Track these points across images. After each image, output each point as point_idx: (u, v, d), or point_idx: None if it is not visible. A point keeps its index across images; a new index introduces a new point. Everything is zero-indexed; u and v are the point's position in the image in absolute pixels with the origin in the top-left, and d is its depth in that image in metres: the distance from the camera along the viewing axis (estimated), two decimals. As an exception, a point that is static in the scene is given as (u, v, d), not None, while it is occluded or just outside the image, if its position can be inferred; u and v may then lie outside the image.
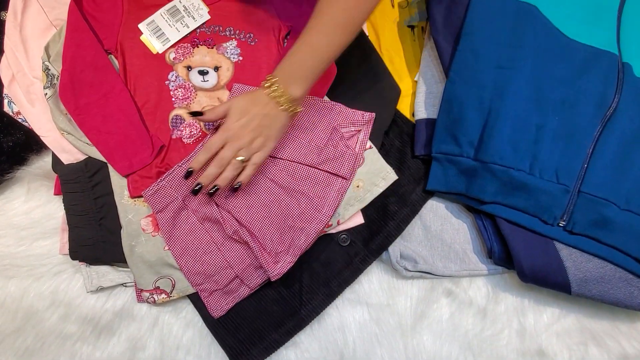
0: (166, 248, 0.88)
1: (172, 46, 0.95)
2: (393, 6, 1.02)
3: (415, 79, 0.97)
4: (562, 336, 0.92)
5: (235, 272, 0.87)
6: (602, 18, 0.89)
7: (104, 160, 0.92)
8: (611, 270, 0.85)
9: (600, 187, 0.83)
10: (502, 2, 0.88)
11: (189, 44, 0.94)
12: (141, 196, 0.89)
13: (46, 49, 0.94)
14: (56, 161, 0.96)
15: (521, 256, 0.85)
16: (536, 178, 0.84)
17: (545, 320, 0.93)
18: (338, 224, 0.90)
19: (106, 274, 0.94)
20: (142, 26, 0.94)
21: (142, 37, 0.94)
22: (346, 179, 0.88)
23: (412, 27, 1.01)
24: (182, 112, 0.92)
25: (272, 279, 0.83)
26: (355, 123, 0.91)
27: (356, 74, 0.96)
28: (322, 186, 0.88)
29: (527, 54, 0.85)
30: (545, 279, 0.85)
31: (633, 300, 0.83)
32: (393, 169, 0.93)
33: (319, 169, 0.88)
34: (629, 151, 0.85)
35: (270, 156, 0.88)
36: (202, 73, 0.93)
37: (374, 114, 0.92)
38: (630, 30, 0.88)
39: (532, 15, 0.87)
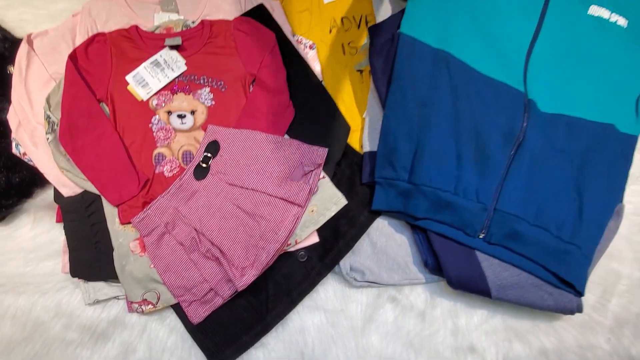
0: (152, 266, 0.96)
1: (154, 94, 1.03)
2: (344, 53, 1.11)
3: (364, 116, 1.06)
4: (490, 334, 1.00)
5: (210, 285, 0.95)
6: (512, 62, 0.97)
7: (98, 193, 0.99)
8: (524, 278, 0.93)
9: (513, 206, 0.92)
10: (421, 51, 0.97)
11: (169, 92, 1.03)
12: (130, 223, 0.97)
13: (47, 99, 1.01)
14: (57, 194, 1.03)
15: (449, 268, 0.94)
16: (460, 198, 0.93)
17: (475, 320, 1.01)
18: (296, 243, 0.98)
19: (101, 288, 1.01)
20: (128, 78, 1.03)
21: (128, 87, 1.02)
22: (301, 206, 0.96)
23: (360, 71, 1.10)
24: (163, 150, 1.01)
25: (239, 290, 0.92)
26: (311, 158, 0.99)
27: (312, 114, 1.05)
28: (281, 212, 0.95)
29: (444, 93, 0.94)
30: (470, 286, 0.94)
31: (544, 303, 0.92)
32: (344, 194, 1.00)
33: (277, 197, 0.96)
34: (537, 175, 0.93)
35: (237, 186, 0.97)
36: (181, 117, 1.02)
37: (327, 149, 0.99)
38: (535, 72, 0.96)
39: (447, 60, 0.95)
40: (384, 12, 1.08)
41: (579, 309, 0.94)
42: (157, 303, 0.97)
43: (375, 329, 1.02)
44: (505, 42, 0.99)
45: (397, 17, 1.02)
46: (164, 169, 1.01)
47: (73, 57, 1.01)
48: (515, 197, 0.93)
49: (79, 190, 1.02)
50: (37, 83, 1.05)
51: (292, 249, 1.00)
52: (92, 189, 1.00)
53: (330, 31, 1.13)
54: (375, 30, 1.03)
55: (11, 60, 1.06)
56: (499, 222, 0.93)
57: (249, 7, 1.11)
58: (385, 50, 1.01)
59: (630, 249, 1.04)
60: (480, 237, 0.95)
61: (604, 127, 0.97)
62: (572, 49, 0.99)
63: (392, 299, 1.03)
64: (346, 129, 1.06)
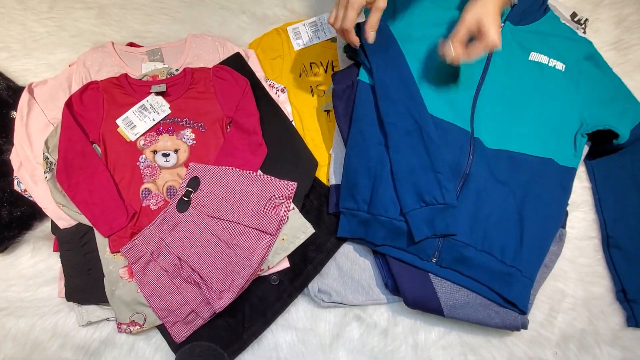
0: (139, 291, 1.02)
1: (141, 135, 1.09)
2: (313, 95, 1.19)
3: (330, 152, 1.14)
4: (446, 349, 1.06)
5: (191, 308, 1.01)
6: (460, 105, 1.04)
7: (91, 225, 1.04)
8: (473, 298, 1.00)
9: (460, 234, 0.99)
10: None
11: (154, 133, 1.11)
12: (119, 252, 1.02)
13: (46, 142, 1.07)
14: (54, 226, 1.07)
15: (405, 289, 1.01)
16: None
17: (433, 336, 1.07)
18: (269, 268, 1.05)
19: (94, 311, 1.06)
20: (118, 121, 1.10)
21: (118, 129, 1.09)
22: (273, 235, 1.04)
23: (327, 111, 1.18)
24: (149, 186, 1.08)
25: (217, 311, 0.99)
26: (282, 192, 1.06)
27: (283, 152, 1.11)
28: (254, 240, 1.03)
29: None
30: (424, 306, 1.01)
31: (491, 321, 0.99)
32: (312, 224, 1.07)
33: (251, 227, 1.04)
34: (482, 205, 1.01)
35: (216, 217, 1.04)
36: (165, 155, 1.09)
37: (296, 184, 1.06)
38: (481, 113, 1.04)
39: None
40: (347, 59, 1.17)
41: (524, 326, 1.01)
42: (143, 324, 1.03)
43: (342, 345, 1.08)
44: (453, 87, 1.08)
45: (356, 66, 1.12)
46: (150, 203, 1.08)
47: (69, 104, 1.08)
48: (462, 226, 1.01)
49: (73, 223, 1.08)
50: (37, 127, 1.12)
51: (265, 274, 1.07)
52: (85, 221, 1.05)
53: (300, 75, 1.22)
54: (337, 77, 1.12)
55: (14, 106, 1.13)
56: (448, 248, 1.01)
57: (227, 55, 1.20)
58: (346, 95, 1.10)
59: (574, 270, 1.13)
60: (433, 261, 1.02)
61: (544, 161, 1.06)
62: (515, 91, 1.08)
63: (357, 318, 1.09)
64: (314, 164, 1.13)
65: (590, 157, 1.17)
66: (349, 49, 1.12)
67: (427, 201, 0.99)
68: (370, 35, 0.97)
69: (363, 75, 1.08)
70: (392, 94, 1.04)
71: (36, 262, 1.13)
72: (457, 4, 1.11)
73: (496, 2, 0.91)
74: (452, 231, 0.99)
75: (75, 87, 1.14)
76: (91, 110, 1.11)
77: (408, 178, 1.00)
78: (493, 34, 0.89)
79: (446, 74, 1.07)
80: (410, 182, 1.00)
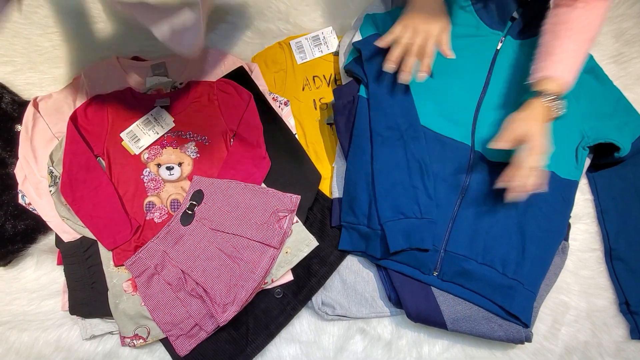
0: (142, 304, 1.03)
1: (146, 148, 1.11)
2: (316, 108, 1.20)
3: (333, 165, 1.15)
4: None
5: (195, 321, 1.02)
6: (460, 119, 1.06)
7: (95, 238, 1.05)
8: (476, 311, 1.01)
9: (461, 247, 1.01)
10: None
11: (158, 146, 1.12)
12: (123, 265, 1.04)
13: (50, 156, 1.09)
14: (58, 240, 1.09)
15: (408, 303, 1.02)
16: None
17: (437, 349, 1.07)
18: (272, 281, 1.06)
19: (97, 324, 1.07)
20: (123, 134, 1.12)
21: (123, 143, 1.11)
22: (276, 248, 1.04)
23: (330, 124, 1.18)
24: (153, 199, 1.10)
25: (221, 325, 1.00)
26: (285, 205, 1.07)
27: (286, 165, 1.12)
28: (258, 254, 1.04)
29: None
30: (427, 320, 1.02)
31: (494, 334, 1.00)
32: (315, 237, 1.08)
33: (255, 240, 1.05)
34: (482, 219, 1.02)
35: (220, 230, 1.05)
36: (169, 169, 1.11)
37: (299, 197, 1.07)
38: (483, 126, 1.06)
39: None
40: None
41: (527, 338, 1.01)
42: (147, 337, 1.04)
43: (346, 358, 1.08)
44: (454, 102, 1.09)
45: (356, 81, 1.13)
46: (154, 216, 1.09)
47: (73, 118, 1.10)
48: (462, 239, 1.03)
49: (77, 236, 1.08)
50: (42, 141, 1.13)
51: (269, 287, 1.07)
52: (89, 234, 1.07)
53: (303, 89, 1.23)
54: (338, 93, 1.12)
55: (19, 120, 1.14)
56: (449, 262, 1.02)
57: (230, 69, 1.21)
58: (347, 110, 1.10)
59: (577, 282, 1.13)
60: (434, 275, 1.03)
61: (545, 174, 1.07)
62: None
63: (361, 331, 1.10)
64: (317, 177, 1.14)
65: (592, 169, 1.17)
66: (349, 68, 1.14)
67: (407, 214, 1.00)
68: (421, 76, 1.00)
69: (364, 91, 1.09)
70: (385, 107, 1.05)
71: (40, 275, 1.13)
72: (455, 17, 1.12)
73: (542, 121, 0.95)
74: (426, 245, 1.00)
75: (80, 101, 1.15)
76: (96, 124, 1.12)
77: (387, 190, 1.02)
78: (544, 145, 0.93)
79: (446, 88, 1.08)
80: (389, 194, 1.02)
